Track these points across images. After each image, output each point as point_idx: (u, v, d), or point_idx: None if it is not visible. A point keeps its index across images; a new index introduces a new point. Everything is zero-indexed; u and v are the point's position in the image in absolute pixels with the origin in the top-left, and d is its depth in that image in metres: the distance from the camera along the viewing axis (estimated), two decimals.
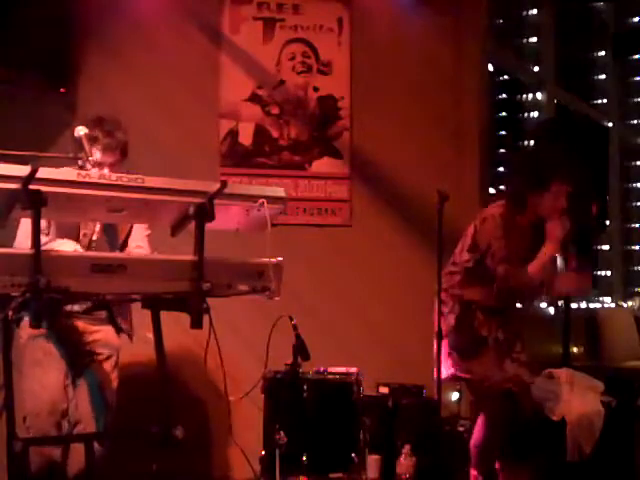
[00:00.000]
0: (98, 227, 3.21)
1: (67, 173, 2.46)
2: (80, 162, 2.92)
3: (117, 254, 3.12)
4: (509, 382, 3.45)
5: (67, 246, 2.89)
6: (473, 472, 3.56)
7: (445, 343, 3.41)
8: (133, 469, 3.17)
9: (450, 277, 3.53)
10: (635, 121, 9.20)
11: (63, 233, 3.09)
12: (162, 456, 2.71)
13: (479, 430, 3.57)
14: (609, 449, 4.00)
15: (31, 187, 2.26)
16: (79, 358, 3.20)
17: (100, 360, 3.24)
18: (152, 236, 3.31)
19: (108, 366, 3.26)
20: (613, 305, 8.23)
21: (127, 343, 3.30)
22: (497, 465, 3.57)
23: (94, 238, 3.19)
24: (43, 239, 2.74)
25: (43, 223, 2.84)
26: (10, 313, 2.40)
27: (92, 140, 3.08)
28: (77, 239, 3.14)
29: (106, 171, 3.13)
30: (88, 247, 3.16)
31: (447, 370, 3.49)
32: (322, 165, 4.73)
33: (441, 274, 3.37)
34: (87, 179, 2.39)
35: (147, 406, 2.72)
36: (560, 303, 6.27)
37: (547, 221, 3.49)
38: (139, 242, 3.30)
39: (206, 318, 2.52)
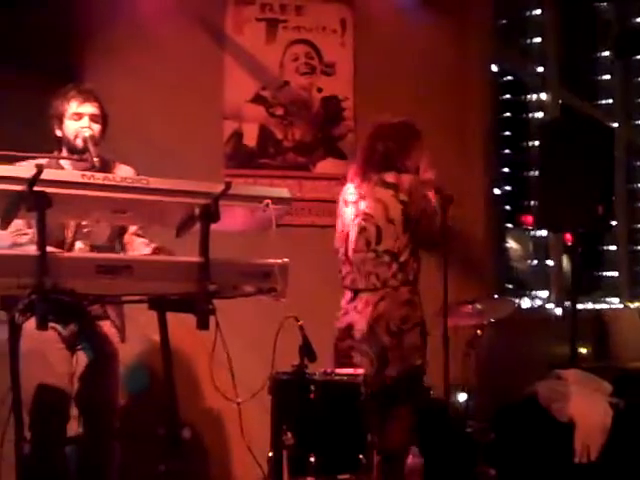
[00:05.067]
0: None
1: (72, 175, 2.46)
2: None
3: (122, 255, 3.11)
4: None
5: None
6: None
7: None
8: (140, 471, 3.15)
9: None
10: None
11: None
12: (169, 457, 2.69)
13: None
14: (618, 451, 3.98)
15: (36, 189, 2.26)
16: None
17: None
18: (158, 238, 3.31)
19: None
20: (620, 306, 8.19)
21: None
22: None
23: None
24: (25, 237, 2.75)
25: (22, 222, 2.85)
26: (17, 315, 2.39)
27: (67, 98, 3.12)
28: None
29: (85, 120, 3.13)
30: (76, 233, 3.11)
31: None
32: (326, 166, 4.73)
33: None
34: (92, 180, 2.38)
35: (154, 408, 2.71)
36: (567, 304, 6.25)
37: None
38: (138, 230, 3.30)
39: (212, 319, 2.51)
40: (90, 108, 3.16)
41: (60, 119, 3.16)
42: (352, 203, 3.83)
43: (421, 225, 3.71)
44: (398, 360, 3.64)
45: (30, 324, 2.36)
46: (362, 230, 3.75)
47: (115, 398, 3.24)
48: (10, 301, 2.40)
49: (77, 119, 3.13)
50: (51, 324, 2.72)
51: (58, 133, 3.18)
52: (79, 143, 3.09)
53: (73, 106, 3.14)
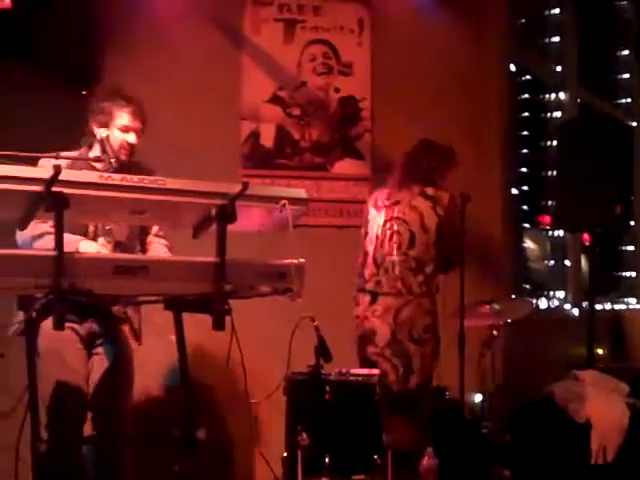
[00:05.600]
0: None
1: (89, 175, 2.47)
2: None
3: (139, 256, 3.12)
4: None
5: (90, 248, 2.90)
6: None
7: None
8: (156, 472, 3.17)
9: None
10: None
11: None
12: (184, 458, 2.70)
13: None
14: (635, 452, 3.96)
15: (54, 189, 2.27)
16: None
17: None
18: (175, 239, 3.32)
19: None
20: (638, 306, 8.12)
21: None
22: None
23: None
24: (44, 226, 2.76)
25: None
26: (34, 315, 2.40)
27: (118, 106, 3.15)
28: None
29: (133, 135, 3.17)
30: (96, 228, 3.12)
31: None
32: (344, 166, 4.73)
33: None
34: (109, 181, 2.39)
35: (169, 408, 2.72)
36: (585, 304, 6.21)
37: None
38: (159, 231, 3.32)
39: (228, 320, 2.52)
40: (139, 124, 3.20)
41: (106, 122, 3.16)
42: (385, 208, 3.92)
43: (446, 241, 3.80)
44: (421, 369, 3.75)
45: (47, 323, 2.38)
46: (395, 234, 3.83)
47: (129, 401, 3.24)
48: (27, 301, 2.42)
49: (125, 131, 3.17)
50: (69, 324, 2.74)
51: (95, 130, 3.19)
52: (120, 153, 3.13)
53: (125, 118, 3.16)
